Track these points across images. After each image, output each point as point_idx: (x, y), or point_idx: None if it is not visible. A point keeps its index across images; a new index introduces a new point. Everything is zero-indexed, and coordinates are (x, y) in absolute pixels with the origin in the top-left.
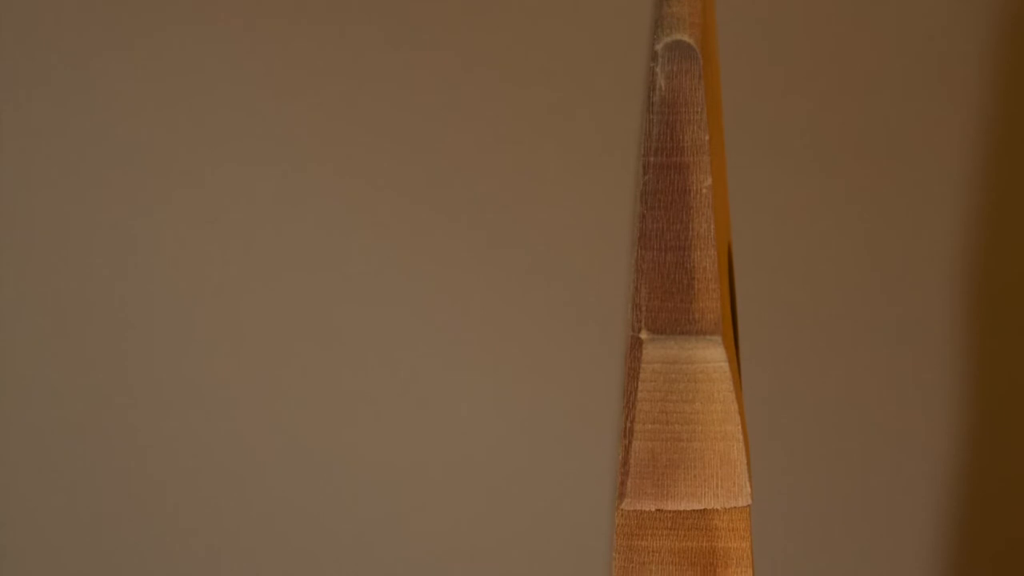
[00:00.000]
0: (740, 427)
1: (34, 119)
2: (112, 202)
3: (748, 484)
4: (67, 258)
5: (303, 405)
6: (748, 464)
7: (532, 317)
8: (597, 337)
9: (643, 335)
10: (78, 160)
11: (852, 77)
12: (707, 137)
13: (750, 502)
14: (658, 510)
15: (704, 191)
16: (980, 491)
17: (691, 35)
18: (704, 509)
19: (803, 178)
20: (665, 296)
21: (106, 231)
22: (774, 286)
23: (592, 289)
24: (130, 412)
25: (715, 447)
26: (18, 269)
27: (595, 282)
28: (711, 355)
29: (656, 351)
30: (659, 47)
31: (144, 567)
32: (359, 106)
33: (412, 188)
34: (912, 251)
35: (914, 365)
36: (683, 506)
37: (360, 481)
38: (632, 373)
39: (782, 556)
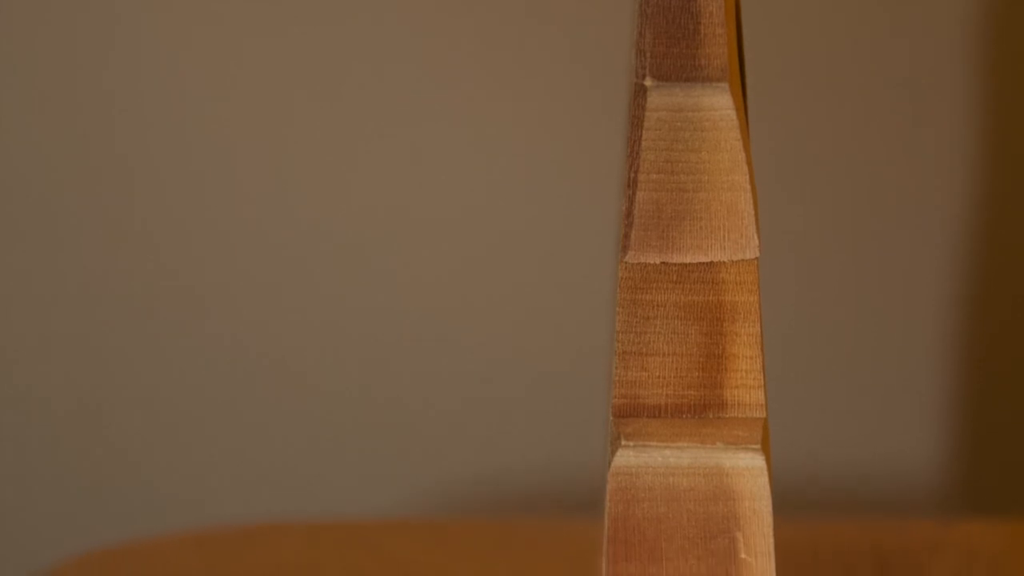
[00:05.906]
0: (748, 177)
1: None
2: None
3: (756, 236)
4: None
5: (298, 156)
6: (756, 215)
7: (530, 64)
8: (599, 84)
9: (647, 82)
10: None
11: None
12: None
13: (758, 254)
14: (663, 263)
15: None
16: (1000, 226)
17: None
18: (711, 262)
19: None
20: (670, 42)
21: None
22: (786, 32)
23: (593, 33)
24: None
25: (722, 197)
26: None
27: (596, 26)
28: (718, 103)
29: (661, 99)
30: None
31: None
32: None
33: None
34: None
35: (927, 118)
36: (689, 259)
37: (351, 231)
38: (636, 122)
39: (791, 310)
